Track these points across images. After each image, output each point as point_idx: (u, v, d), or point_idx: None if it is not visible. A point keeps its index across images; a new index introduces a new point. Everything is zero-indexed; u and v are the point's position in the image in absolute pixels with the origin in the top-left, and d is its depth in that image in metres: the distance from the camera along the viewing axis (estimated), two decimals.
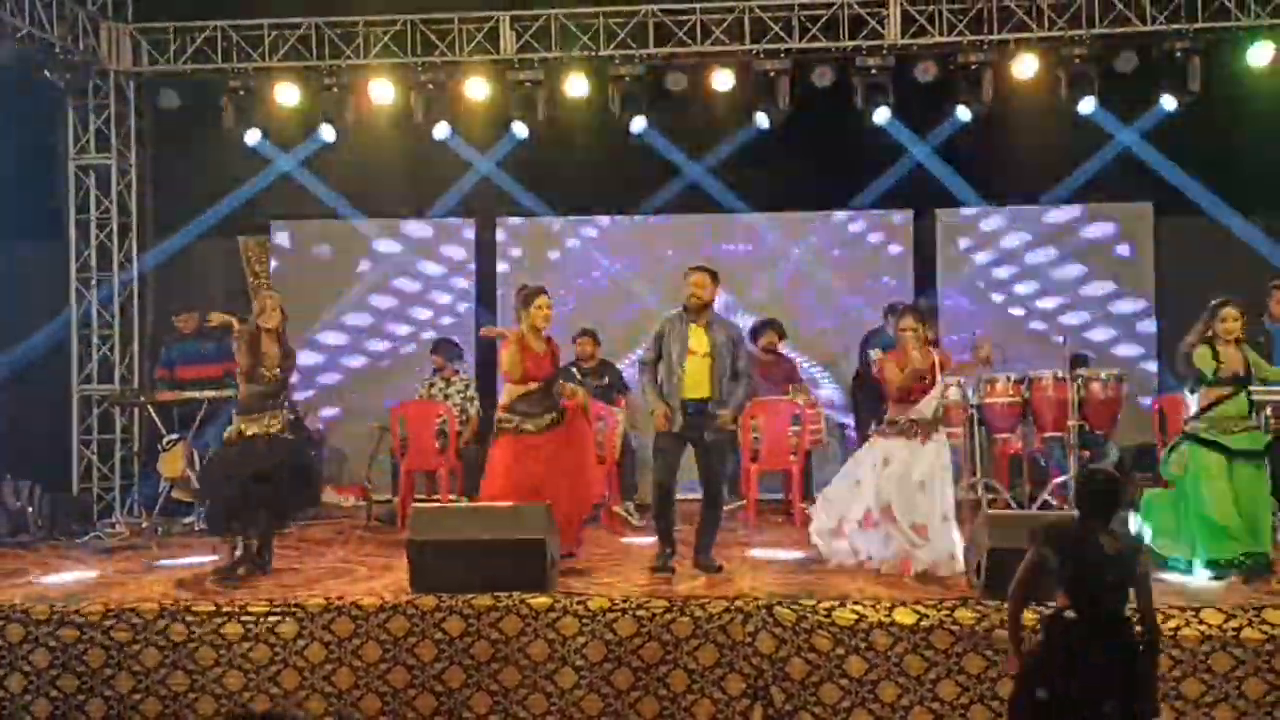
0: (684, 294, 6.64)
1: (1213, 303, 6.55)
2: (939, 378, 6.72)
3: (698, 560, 6.68)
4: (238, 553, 6.80)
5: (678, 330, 6.60)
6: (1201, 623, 5.48)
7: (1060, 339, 8.42)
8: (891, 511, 6.57)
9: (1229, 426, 6.43)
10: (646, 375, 6.71)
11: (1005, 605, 4.69)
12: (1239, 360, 6.46)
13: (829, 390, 10.18)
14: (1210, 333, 6.48)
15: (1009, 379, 8.36)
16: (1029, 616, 4.84)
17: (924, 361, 6.67)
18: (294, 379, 7.40)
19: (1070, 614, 4.24)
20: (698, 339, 6.57)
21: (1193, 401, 6.57)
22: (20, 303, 9.61)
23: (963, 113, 9.34)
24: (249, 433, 6.71)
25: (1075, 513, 4.50)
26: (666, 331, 6.64)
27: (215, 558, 7.07)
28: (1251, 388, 6.58)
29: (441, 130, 9.54)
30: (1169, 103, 9.06)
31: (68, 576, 6.96)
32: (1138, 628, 4.29)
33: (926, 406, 6.66)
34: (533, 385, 6.74)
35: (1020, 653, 4.47)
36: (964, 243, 10.29)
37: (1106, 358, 9.62)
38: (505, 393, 6.85)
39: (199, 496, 7.91)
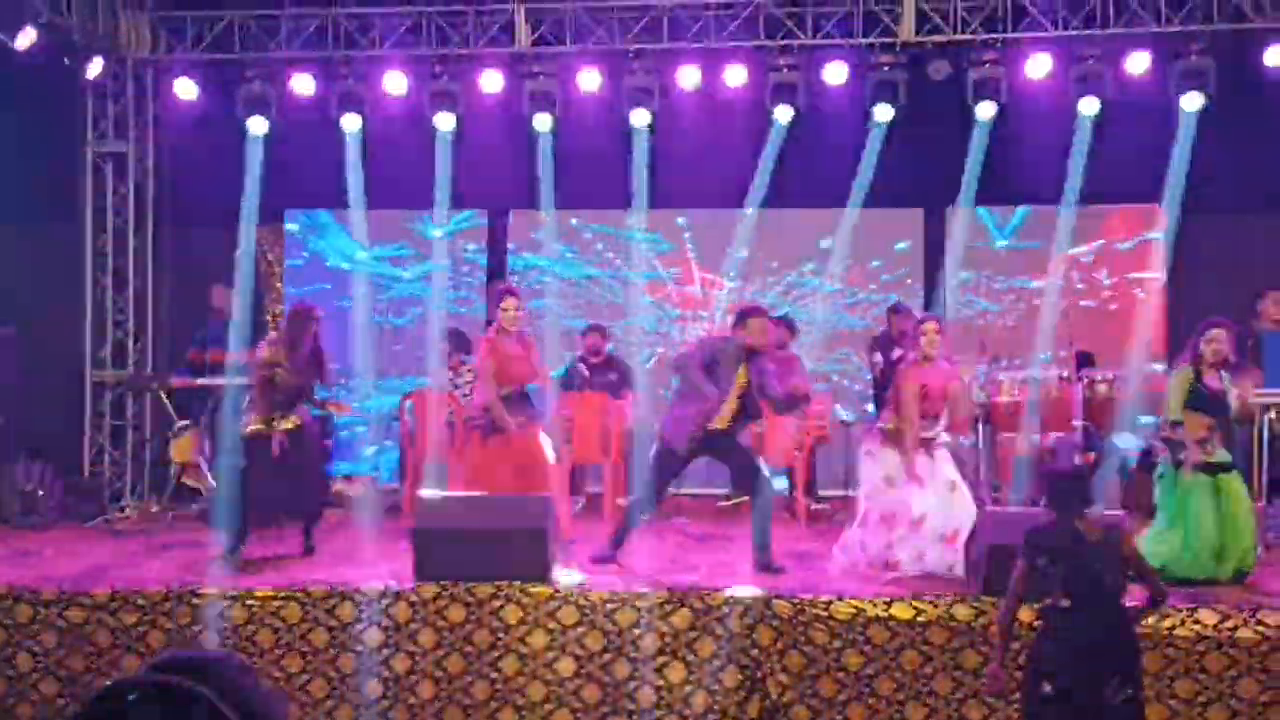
0: (750, 336, 6.62)
1: (1203, 322, 6.50)
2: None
3: (760, 561, 6.60)
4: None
5: (730, 362, 6.61)
6: (1197, 622, 5.50)
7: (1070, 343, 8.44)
8: (922, 523, 6.40)
9: (1209, 450, 6.36)
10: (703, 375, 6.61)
11: (1000, 603, 4.74)
12: (1218, 384, 6.40)
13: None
14: (1198, 355, 6.40)
15: (1015, 379, 8.37)
16: (1024, 615, 4.89)
17: (939, 371, 6.59)
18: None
19: (1065, 602, 4.32)
20: (740, 376, 6.64)
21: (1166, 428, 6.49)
22: (36, 286, 9.71)
23: (980, 110, 9.29)
24: (277, 428, 6.93)
25: (1051, 513, 4.58)
26: (720, 359, 6.62)
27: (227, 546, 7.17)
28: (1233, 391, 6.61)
29: (449, 122, 9.56)
30: (1188, 103, 9.01)
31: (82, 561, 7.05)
32: (1131, 609, 4.40)
33: (944, 419, 6.60)
34: (512, 388, 6.84)
35: (1004, 662, 4.55)
36: (974, 242, 10.29)
37: (1114, 359, 9.61)
38: (483, 392, 6.92)
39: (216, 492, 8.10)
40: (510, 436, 6.81)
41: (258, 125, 9.56)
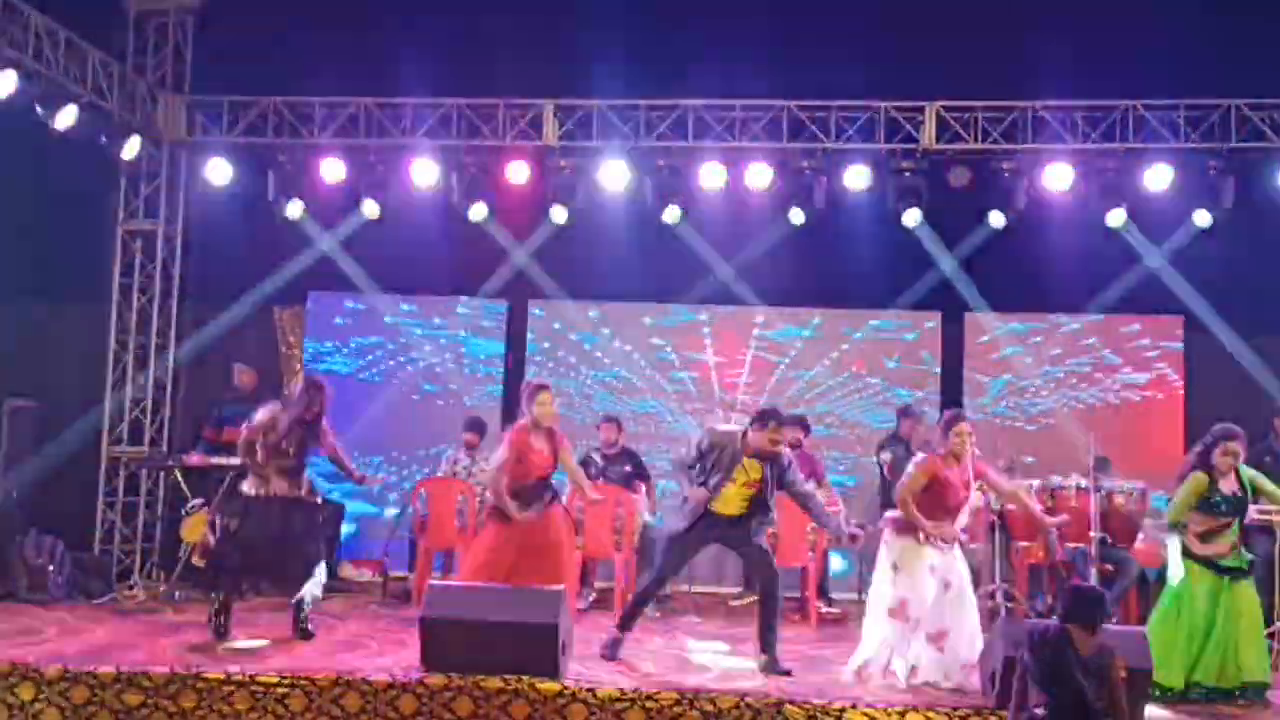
0: (764, 440, 6.56)
1: (1217, 430, 6.44)
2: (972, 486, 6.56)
3: (766, 665, 6.55)
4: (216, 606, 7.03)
5: (729, 453, 6.57)
6: None
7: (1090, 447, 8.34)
8: (906, 610, 6.31)
9: (1221, 552, 6.34)
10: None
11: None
12: (1235, 486, 6.37)
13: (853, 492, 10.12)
14: (1211, 462, 6.36)
15: (1031, 487, 8.31)
16: None
17: (965, 473, 6.49)
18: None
19: (1040, 710, 4.28)
20: (752, 470, 6.58)
21: (1173, 547, 6.39)
22: (62, 361, 9.78)
23: (994, 219, 9.44)
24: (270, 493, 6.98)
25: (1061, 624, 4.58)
26: (720, 449, 6.60)
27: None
28: (1253, 507, 6.55)
29: (479, 212, 9.75)
30: (1201, 219, 9.13)
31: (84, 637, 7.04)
32: None
33: (963, 518, 6.51)
34: (533, 480, 6.81)
35: None
36: (992, 348, 10.31)
37: (1131, 469, 9.54)
38: (505, 479, 6.80)
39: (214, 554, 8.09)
40: (525, 523, 6.77)
41: (294, 209, 9.72)
